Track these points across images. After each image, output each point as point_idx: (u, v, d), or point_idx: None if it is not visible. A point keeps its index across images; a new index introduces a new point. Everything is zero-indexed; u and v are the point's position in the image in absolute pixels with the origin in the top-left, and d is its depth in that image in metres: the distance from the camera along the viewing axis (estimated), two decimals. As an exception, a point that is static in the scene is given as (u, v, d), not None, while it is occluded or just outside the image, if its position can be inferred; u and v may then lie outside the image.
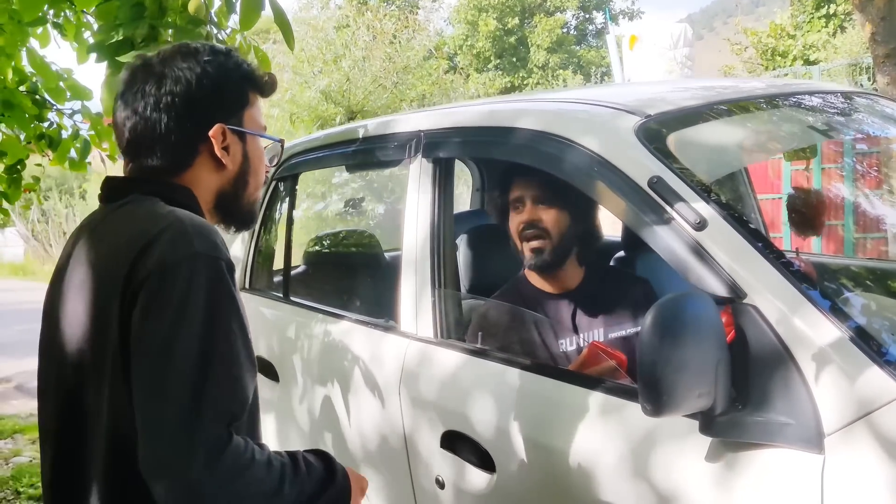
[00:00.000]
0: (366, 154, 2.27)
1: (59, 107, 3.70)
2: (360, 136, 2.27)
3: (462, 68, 24.71)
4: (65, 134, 3.66)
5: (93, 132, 3.72)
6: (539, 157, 1.67)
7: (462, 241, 2.26)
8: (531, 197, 1.87)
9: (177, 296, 1.04)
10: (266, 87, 1.29)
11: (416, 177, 1.95)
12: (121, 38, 2.09)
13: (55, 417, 1.18)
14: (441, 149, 1.93)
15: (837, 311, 1.22)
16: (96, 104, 3.50)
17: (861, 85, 9.13)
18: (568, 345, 1.84)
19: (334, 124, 12.01)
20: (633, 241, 2.42)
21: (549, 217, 1.85)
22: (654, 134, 1.52)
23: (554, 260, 1.88)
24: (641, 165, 1.45)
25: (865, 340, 1.16)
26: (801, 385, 1.15)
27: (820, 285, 1.30)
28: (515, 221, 1.90)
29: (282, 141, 1.34)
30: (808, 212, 1.93)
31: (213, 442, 1.02)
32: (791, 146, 1.97)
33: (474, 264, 2.22)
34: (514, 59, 26.72)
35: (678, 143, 1.51)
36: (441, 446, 1.75)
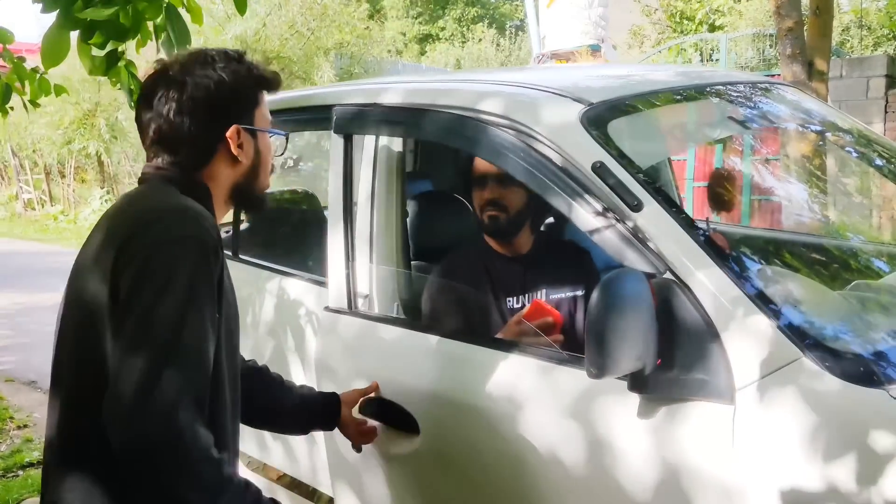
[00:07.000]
0: (296, 124, 2.38)
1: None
2: (293, 107, 2.37)
3: (379, 14, 24.32)
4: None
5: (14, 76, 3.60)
6: (486, 139, 1.77)
7: (410, 206, 2.39)
8: (493, 176, 2.04)
9: (164, 270, 1.18)
10: (274, 85, 1.44)
11: (338, 151, 2.08)
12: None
13: (59, 368, 1.31)
14: (362, 125, 2.05)
15: (751, 285, 1.43)
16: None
17: (764, 53, 9.63)
18: (515, 302, 2.05)
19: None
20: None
21: (509, 194, 2.04)
22: (597, 121, 1.68)
23: (511, 229, 2.09)
24: (586, 151, 1.61)
25: (772, 311, 1.38)
26: (717, 348, 1.36)
27: (736, 260, 1.51)
28: (478, 197, 2.09)
29: (287, 134, 1.49)
30: (724, 191, 2.17)
31: (173, 405, 1.13)
32: (721, 135, 2.19)
33: (422, 229, 2.35)
34: (433, 5, 26.50)
35: (618, 131, 1.69)
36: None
